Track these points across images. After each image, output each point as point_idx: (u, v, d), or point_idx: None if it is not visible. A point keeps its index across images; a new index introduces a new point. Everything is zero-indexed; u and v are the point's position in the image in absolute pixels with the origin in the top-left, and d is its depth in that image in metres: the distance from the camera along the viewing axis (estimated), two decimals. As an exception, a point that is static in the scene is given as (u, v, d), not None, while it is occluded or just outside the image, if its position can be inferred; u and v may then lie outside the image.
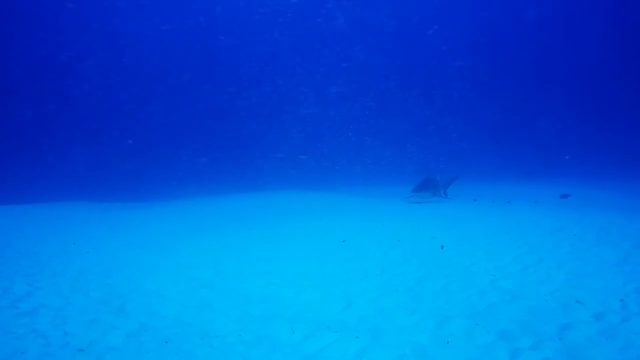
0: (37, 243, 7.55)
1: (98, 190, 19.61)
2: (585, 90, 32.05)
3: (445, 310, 4.33)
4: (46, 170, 23.74)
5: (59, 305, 4.64)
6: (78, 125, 31.81)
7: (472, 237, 7.02)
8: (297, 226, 8.71)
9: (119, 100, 34.71)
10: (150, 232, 8.76)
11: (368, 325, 4.17)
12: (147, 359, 3.56)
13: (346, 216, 9.51)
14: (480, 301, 4.45)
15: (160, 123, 32.90)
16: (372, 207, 10.95)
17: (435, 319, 4.15)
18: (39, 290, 5.05)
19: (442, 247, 6.57)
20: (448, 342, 3.68)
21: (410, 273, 5.47)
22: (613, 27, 31.95)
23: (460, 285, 4.93)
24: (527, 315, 4.01)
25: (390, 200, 12.47)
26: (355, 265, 5.94)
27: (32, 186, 19.28)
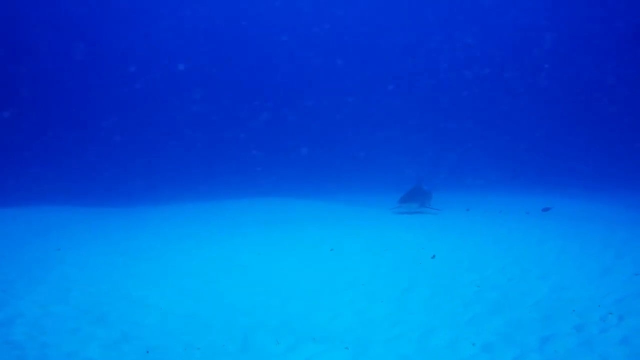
0: (17, 248, 7.41)
1: (85, 194, 19.34)
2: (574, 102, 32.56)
3: (430, 321, 4.34)
4: (33, 174, 23.36)
5: (37, 314, 4.53)
6: (65, 128, 31.43)
7: (460, 247, 7.06)
8: (285, 234, 8.67)
9: (108, 102, 34.40)
10: (137, 238, 8.65)
11: (354, 336, 4.17)
12: (128, 370, 3.50)
13: (335, 224, 9.51)
14: (465, 312, 4.48)
15: (151, 126, 32.69)
16: (362, 215, 10.98)
17: (420, 330, 4.16)
18: (15, 298, 4.92)
19: (433, 256, 6.59)
20: (432, 354, 3.69)
21: (397, 283, 5.48)
22: (610, 40, 32.64)
23: (446, 296, 4.96)
24: (511, 326, 4.05)
25: (381, 208, 12.47)
26: (342, 275, 5.94)
27: (17, 190, 18.92)
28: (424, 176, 13.22)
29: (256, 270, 6.36)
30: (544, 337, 3.78)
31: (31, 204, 14.12)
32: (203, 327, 4.41)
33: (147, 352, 3.84)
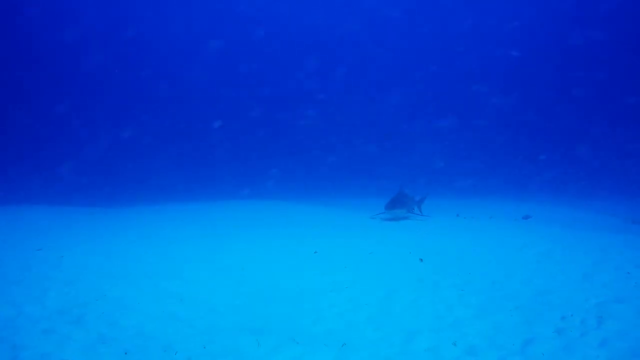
0: (-6, 248, 7.22)
1: (70, 194, 19.04)
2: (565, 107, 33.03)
3: (413, 325, 4.32)
4: (16, 173, 22.98)
5: (9, 315, 4.40)
6: (53, 126, 31.02)
7: (444, 251, 7.08)
8: (270, 236, 8.61)
9: (99, 104, 34.07)
10: (119, 239, 8.50)
11: (336, 339, 4.12)
12: (104, 372, 3.41)
13: (320, 227, 9.47)
14: (448, 316, 4.47)
15: (140, 129, 32.43)
16: (348, 219, 10.96)
17: (404, 333, 4.14)
18: (-11, 299, 4.79)
19: (421, 260, 6.59)
20: (415, 357, 3.67)
21: (381, 286, 5.45)
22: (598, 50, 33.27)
23: (429, 300, 4.95)
24: (493, 330, 4.05)
25: (367, 212, 12.46)
26: (325, 278, 5.89)
27: (2, 188, 18.56)
28: (407, 181, 12.86)
29: (239, 271, 6.28)
30: (526, 340, 3.78)
31: (13, 203, 13.84)
32: (183, 329, 4.33)
33: (125, 353, 3.75)
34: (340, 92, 36.52)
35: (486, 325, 4.16)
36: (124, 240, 8.32)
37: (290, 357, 3.76)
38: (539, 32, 35.85)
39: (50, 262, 6.54)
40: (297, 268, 6.40)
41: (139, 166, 27.95)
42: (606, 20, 32.35)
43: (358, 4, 37.99)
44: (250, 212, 12.25)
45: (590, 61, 32.63)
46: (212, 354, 3.83)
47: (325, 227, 9.61)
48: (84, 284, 5.53)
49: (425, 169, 26.21)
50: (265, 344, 4.01)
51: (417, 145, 31.32)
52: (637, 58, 30.73)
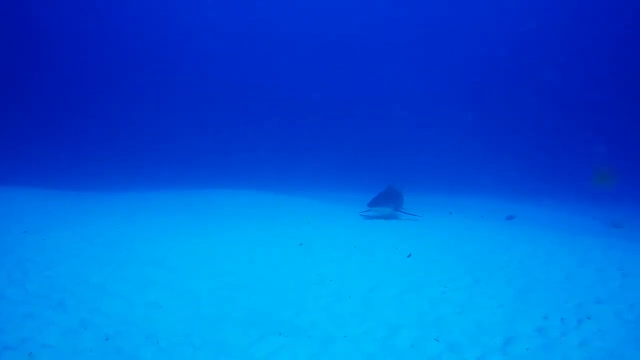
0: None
1: (55, 177, 18.73)
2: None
3: (396, 320, 4.35)
4: (4, 154, 22.59)
5: (-10, 297, 4.34)
6: (41, 111, 30.57)
7: (429, 248, 7.13)
8: (255, 227, 8.58)
9: (84, 86, 33.56)
10: (102, 224, 8.39)
11: (319, 331, 4.13)
12: (85, 358, 3.37)
13: (307, 219, 9.46)
14: (431, 312, 4.51)
15: (128, 115, 32.11)
16: (335, 212, 10.96)
17: (386, 328, 4.16)
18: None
19: (409, 255, 6.63)
20: (398, 352, 3.69)
21: (365, 281, 5.48)
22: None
23: (413, 295, 4.98)
24: (476, 327, 4.09)
25: (356, 206, 12.45)
26: (310, 270, 5.90)
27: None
28: (397, 177, 12.00)
29: (223, 261, 6.25)
30: (507, 338, 3.83)
31: (3, 184, 13.58)
32: (166, 317, 4.29)
33: (107, 339, 3.71)
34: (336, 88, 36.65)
35: (469, 322, 4.21)
36: (107, 226, 8.22)
37: (274, 348, 3.76)
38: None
39: (32, 245, 6.44)
40: (282, 260, 6.40)
41: (123, 152, 27.65)
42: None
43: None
44: (236, 203, 12.19)
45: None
46: (194, 343, 3.81)
47: (314, 219, 9.61)
48: (65, 269, 5.46)
49: (423, 165, 26.31)
50: (249, 334, 4.00)
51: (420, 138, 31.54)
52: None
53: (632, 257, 6.48)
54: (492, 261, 6.48)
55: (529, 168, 26.93)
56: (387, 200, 10.14)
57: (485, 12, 37.32)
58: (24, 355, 3.33)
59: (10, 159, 21.82)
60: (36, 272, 5.21)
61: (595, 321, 4.12)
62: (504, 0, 36.59)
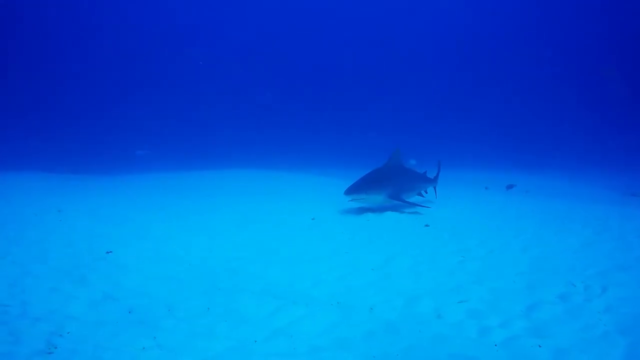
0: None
1: (61, 162, 18.91)
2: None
3: (413, 290, 4.33)
4: (8, 139, 22.83)
5: (17, 273, 4.40)
6: (42, 96, 30.73)
7: (444, 219, 7.10)
8: (268, 203, 8.60)
9: (84, 74, 33.57)
10: (116, 204, 8.46)
11: (337, 301, 4.14)
12: (109, 329, 3.41)
13: (318, 195, 9.46)
14: (449, 281, 4.49)
15: (134, 100, 32.19)
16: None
17: (404, 298, 4.15)
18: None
19: (427, 225, 6.63)
20: (417, 320, 3.69)
21: (379, 253, 5.47)
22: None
23: (429, 266, 4.97)
24: (495, 295, 4.07)
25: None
26: (324, 243, 5.90)
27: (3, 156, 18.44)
28: (401, 149, 8.22)
29: (238, 236, 6.28)
30: (530, 305, 3.81)
31: (12, 170, 13.72)
32: (185, 290, 4.33)
33: (130, 312, 3.75)
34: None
35: (487, 290, 4.18)
36: (119, 205, 8.29)
37: (294, 317, 3.77)
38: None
39: (49, 224, 6.51)
40: (295, 234, 6.41)
41: (131, 136, 27.77)
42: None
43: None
44: (247, 180, 12.21)
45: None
46: (214, 314, 3.84)
47: (323, 195, 9.60)
48: (84, 246, 5.51)
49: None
50: (267, 305, 4.02)
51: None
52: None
53: (651, 225, 6.41)
54: (505, 231, 6.45)
55: (528, 142, 26.86)
56: (373, 187, 7.33)
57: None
58: (53, 325, 3.40)
59: (16, 144, 22.04)
60: (56, 249, 5.28)
61: (621, 287, 4.09)
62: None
